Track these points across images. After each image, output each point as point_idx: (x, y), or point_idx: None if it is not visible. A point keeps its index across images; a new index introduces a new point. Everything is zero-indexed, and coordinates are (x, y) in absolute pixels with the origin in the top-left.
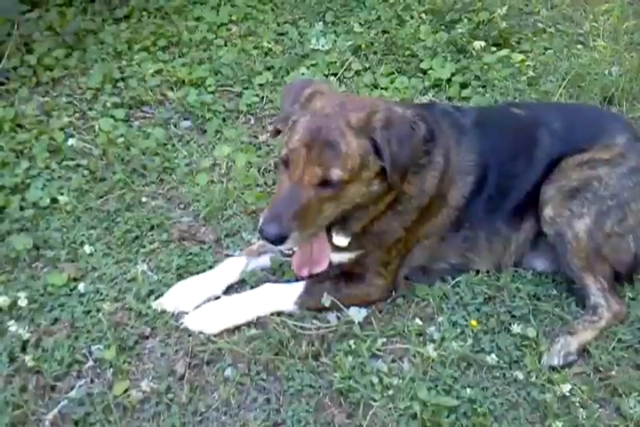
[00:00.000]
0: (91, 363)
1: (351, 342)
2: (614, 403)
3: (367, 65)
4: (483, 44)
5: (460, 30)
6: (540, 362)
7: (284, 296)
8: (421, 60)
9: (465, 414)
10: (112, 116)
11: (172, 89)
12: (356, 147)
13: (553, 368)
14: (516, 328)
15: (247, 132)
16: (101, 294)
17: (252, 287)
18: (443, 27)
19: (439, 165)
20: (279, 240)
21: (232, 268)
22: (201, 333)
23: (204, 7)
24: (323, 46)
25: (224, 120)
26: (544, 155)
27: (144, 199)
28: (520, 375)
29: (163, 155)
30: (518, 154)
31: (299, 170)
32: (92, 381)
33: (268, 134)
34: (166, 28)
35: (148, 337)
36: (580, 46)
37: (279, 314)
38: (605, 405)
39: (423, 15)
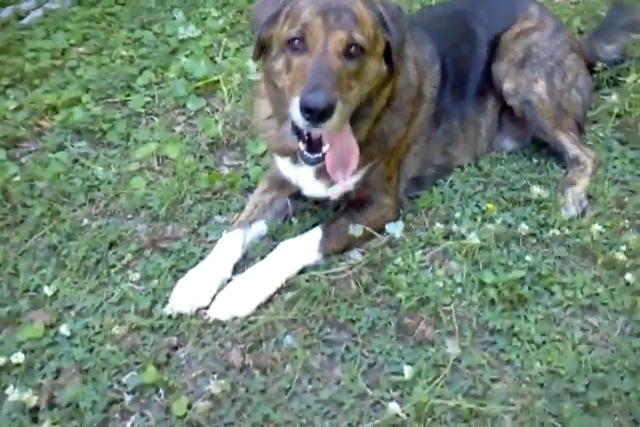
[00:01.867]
0: (130, 397)
1: (398, 259)
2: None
3: (244, 42)
4: None
5: None
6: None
7: (305, 248)
8: None
9: (533, 281)
10: None
11: (43, 118)
12: (367, 15)
13: (573, 219)
14: (535, 191)
15: (161, 129)
16: (93, 327)
17: (261, 258)
18: None
19: (412, 57)
20: (325, 111)
21: (232, 245)
22: (235, 318)
23: (33, 41)
24: (192, 33)
25: (134, 125)
26: (483, 36)
27: (85, 222)
28: (557, 233)
29: (79, 176)
30: (462, 40)
31: (320, 40)
32: (142, 415)
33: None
34: (2, 66)
35: (176, 347)
36: None
37: (302, 272)
38: (631, 228)
39: None
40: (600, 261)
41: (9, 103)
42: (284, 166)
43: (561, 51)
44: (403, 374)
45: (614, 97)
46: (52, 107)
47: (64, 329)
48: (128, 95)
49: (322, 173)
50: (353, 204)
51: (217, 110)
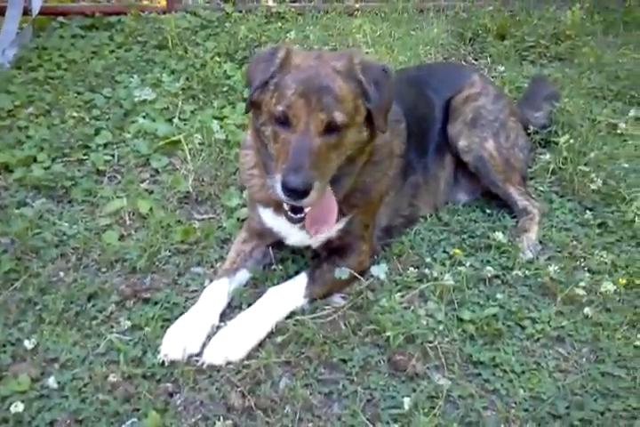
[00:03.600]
0: None
1: (383, 300)
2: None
3: (196, 106)
4: None
5: None
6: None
7: (291, 293)
8: (242, 92)
9: (505, 317)
10: None
11: None
12: (347, 91)
13: (531, 261)
14: (496, 236)
15: (127, 185)
16: (82, 378)
17: (247, 304)
18: (237, 65)
19: None
20: (304, 191)
21: (218, 292)
22: (229, 362)
23: None
24: (149, 96)
25: (96, 182)
26: (436, 101)
27: (61, 275)
28: (519, 273)
29: (46, 231)
30: (420, 103)
31: (302, 121)
32: None
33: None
34: None
35: (172, 394)
36: None
37: (289, 317)
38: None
39: (216, 57)
40: (559, 297)
41: None
42: (267, 216)
43: (503, 114)
44: (401, 407)
45: (548, 156)
46: (4, 165)
47: (51, 381)
48: (85, 154)
49: None
50: (334, 250)
51: (179, 168)
